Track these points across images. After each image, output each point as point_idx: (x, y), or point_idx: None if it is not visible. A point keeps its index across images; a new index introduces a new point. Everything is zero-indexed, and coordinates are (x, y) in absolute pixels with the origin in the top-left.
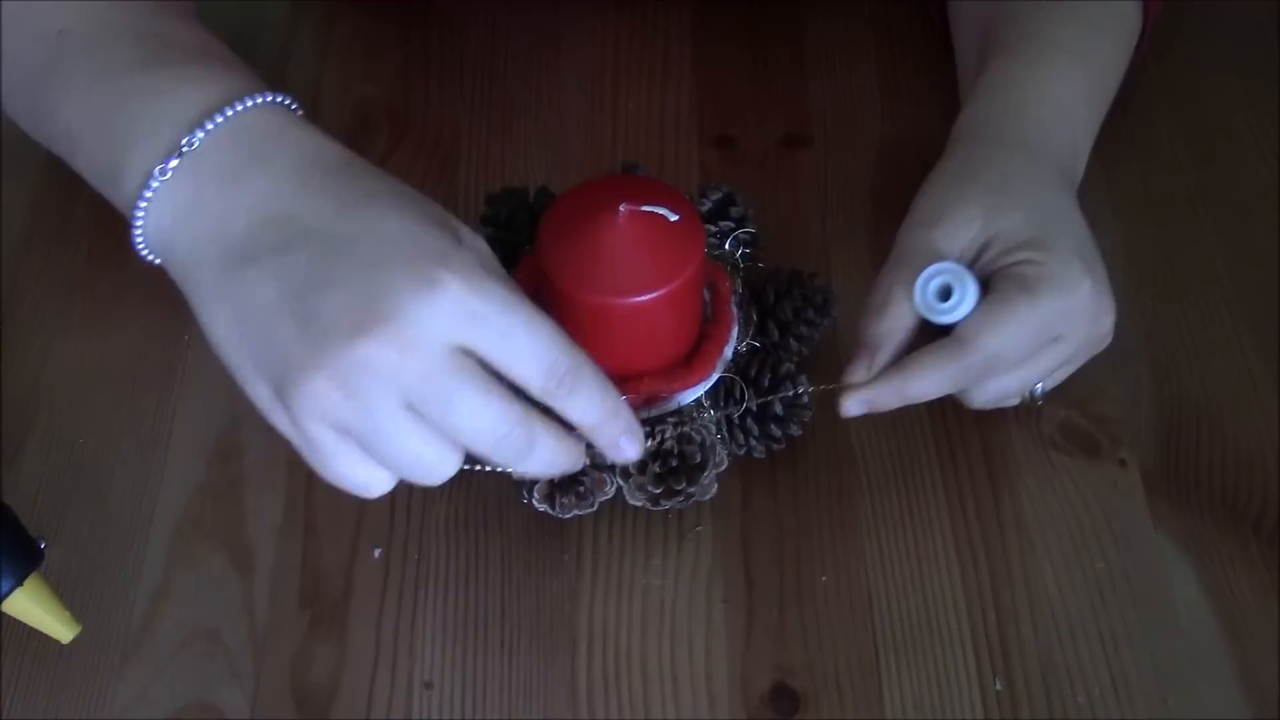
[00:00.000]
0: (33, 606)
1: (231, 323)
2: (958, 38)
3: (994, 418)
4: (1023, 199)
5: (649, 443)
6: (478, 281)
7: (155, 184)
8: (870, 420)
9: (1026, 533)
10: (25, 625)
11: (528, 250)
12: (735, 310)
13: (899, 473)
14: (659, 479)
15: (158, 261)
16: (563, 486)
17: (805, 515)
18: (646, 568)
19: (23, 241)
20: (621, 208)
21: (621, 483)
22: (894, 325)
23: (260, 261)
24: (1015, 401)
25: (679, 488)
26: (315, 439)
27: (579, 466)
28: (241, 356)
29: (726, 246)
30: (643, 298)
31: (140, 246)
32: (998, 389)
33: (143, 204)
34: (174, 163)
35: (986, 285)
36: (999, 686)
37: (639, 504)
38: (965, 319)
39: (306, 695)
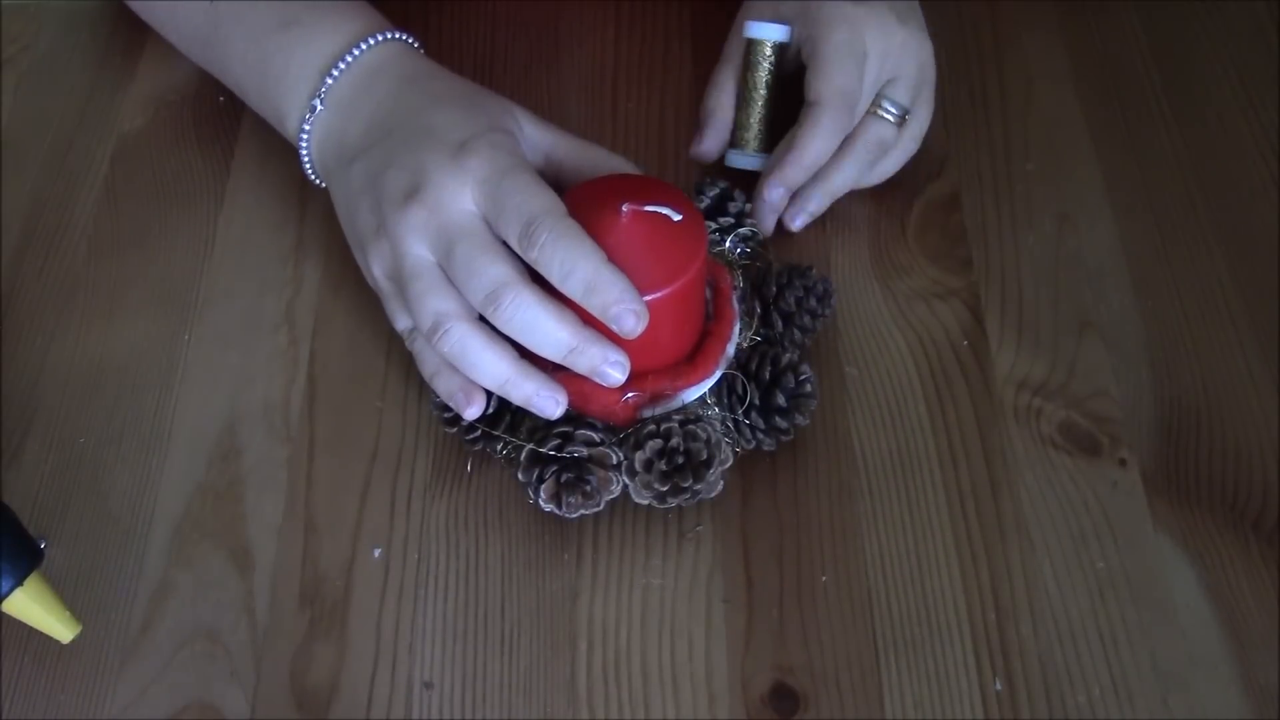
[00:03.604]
0: (33, 606)
1: (341, 206)
2: None
3: (994, 418)
4: None
5: (654, 440)
6: (489, 156)
7: (306, 126)
8: (870, 420)
9: (1026, 533)
10: (25, 625)
11: None
12: (737, 306)
13: (899, 473)
14: (665, 476)
15: (321, 184)
16: (569, 486)
17: (805, 515)
18: (646, 567)
19: (23, 241)
20: (624, 207)
21: (628, 481)
22: (721, 100)
23: (358, 158)
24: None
25: (685, 485)
26: (382, 289)
27: (560, 348)
28: (347, 230)
29: (727, 243)
30: (646, 298)
31: (309, 173)
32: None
33: (303, 140)
34: (317, 106)
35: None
36: (999, 686)
37: (645, 502)
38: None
39: (306, 695)
